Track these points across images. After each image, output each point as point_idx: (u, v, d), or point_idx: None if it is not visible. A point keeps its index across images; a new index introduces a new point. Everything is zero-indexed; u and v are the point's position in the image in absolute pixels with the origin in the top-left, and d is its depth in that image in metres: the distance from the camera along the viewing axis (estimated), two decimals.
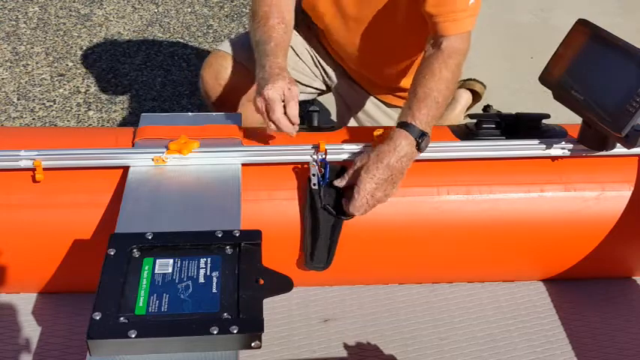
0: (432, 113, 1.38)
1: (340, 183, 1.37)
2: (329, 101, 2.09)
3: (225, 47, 1.81)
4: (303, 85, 1.88)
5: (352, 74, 1.88)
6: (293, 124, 1.39)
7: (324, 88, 1.95)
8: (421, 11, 1.52)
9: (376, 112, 1.93)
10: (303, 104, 1.49)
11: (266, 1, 1.58)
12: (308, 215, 1.38)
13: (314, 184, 1.37)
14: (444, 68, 1.43)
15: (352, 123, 1.96)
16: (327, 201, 1.37)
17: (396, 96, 1.90)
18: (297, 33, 1.82)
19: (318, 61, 1.88)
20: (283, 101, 1.38)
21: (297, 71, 1.84)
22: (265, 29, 1.54)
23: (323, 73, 1.90)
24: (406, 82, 1.84)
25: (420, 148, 1.35)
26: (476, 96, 2.19)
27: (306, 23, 1.82)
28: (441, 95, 1.40)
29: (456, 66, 1.47)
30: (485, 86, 2.21)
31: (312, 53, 1.87)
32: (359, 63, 1.81)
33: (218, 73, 1.76)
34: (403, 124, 1.36)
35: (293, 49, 1.83)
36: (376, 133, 1.40)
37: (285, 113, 1.38)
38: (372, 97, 1.92)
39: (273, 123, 1.38)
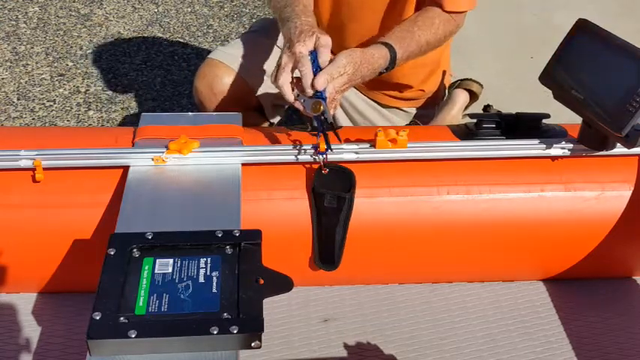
0: (410, 50, 1.52)
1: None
2: None
3: (219, 55, 1.79)
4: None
5: None
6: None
7: None
8: None
9: (371, 113, 1.92)
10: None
11: None
12: (314, 217, 1.38)
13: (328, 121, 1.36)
14: (439, 23, 1.57)
15: (346, 124, 1.95)
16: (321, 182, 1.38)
17: (391, 96, 1.90)
18: None
19: None
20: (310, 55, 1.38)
21: None
22: None
23: None
24: (404, 79, 1.84)
25: (385, 69, 1.48)
26: (473, 96, 2.19)
27: None
28: (426, 42, 1.56)
29: (449, 31, 1.60)
30: (482, 86, 2.21)
31: None
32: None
33: (212, 83, 1.75)
34: (382, 42, 1.49)
35: (278, 47, 1.82)
36: (379, 134, 1.40)
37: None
38: (366, 98, 1.91)
39: (301, 73, 1.35)
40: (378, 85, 1.86)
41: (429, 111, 1.98)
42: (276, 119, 1.93)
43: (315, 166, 1.40)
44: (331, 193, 1.37)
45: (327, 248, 1.39)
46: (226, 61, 1.77)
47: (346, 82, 1.39)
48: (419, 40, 1.54)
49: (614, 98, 1.28)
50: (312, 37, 1.37)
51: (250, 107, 1.82)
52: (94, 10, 3.07)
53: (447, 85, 2.03)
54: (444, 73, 1.96)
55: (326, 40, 1.38)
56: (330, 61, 1.38)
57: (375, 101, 1.91)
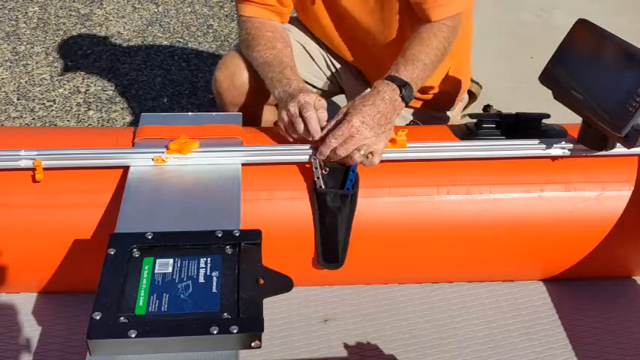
0: (416, 72, 1.45)
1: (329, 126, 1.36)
2: (339, 102, 2.08)
3: None
4: (316, 88, 1.87)
5: (366, 74, 1.87)
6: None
7: (337, 90, 1.94)
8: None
9: None
10: None
11: (267, 27, 1.63)
12: (317, 216, 1.38)
13: (320, 187, 1.37)
14: (433, 37, 1.51)
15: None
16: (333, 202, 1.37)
17: None
18: (309, 35, 1.82)
19: (331, 62, 1.86)
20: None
21: (310, 74, 1.83)
22: (275, 52, 1.56)
23: (336, 75, 1.89)
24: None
25: (403, 97, 1.41)
26: (472, 96, 2.19)
27: None
28: (428, 58, 1.48)
29: (445, 38, 1.54)
30: (481, 87, 2.20)
31: (324, 55, 1.86)
32: (365, 63, 1.80)
33: (234, 74, 1.73)
34: (386, 77, 1.43)
35: (306, 51, 1.82)
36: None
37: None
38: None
39: (304, 120, 1.37)
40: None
41: (436, 113, 1.96)
42: None
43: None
44: (334, 191, 1.37)
45: (331, 247, 1.39)
46: None
47: (373, 127, 1.35)
48: (424, 61, 1.49)
49: (614, 98, 1.28)
50: (313, 95, 1.41)
51: (269, 101, 1.81)
52: (94, 10, 3.07)
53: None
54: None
55: (324, 102, 1.41)
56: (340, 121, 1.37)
57: None
